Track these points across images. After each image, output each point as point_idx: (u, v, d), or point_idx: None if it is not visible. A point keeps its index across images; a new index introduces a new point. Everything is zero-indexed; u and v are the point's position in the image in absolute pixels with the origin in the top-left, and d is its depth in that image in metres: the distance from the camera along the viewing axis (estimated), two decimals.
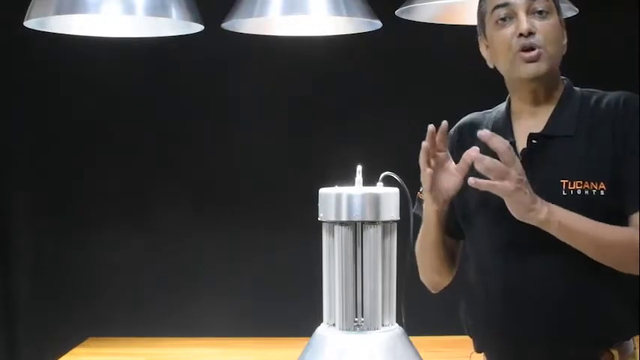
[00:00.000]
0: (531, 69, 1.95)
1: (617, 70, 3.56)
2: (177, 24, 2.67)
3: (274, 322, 3.75)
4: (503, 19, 1.96)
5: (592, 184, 1.90)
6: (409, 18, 2.63)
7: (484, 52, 2.07)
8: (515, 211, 1.86)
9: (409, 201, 2.01)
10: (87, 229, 3.97)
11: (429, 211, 2.02)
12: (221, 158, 4.00)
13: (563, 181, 1.91)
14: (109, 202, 3.99)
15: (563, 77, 2.04)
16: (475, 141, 2.08)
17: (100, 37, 2.75)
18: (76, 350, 3.33)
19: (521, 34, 1.93)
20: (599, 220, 1.88)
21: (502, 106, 2.09)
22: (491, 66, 2.05)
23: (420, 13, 2.62)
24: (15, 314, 4.01)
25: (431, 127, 1.93)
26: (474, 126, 2.10)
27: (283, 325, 3.54)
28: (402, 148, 3.65)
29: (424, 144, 1.93)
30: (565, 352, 1.95)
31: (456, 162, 2.04)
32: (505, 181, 1.83)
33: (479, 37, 2.07)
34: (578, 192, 1.89)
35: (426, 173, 1.95)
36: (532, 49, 1.94)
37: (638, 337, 2.01)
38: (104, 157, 4.00)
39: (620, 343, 1.97)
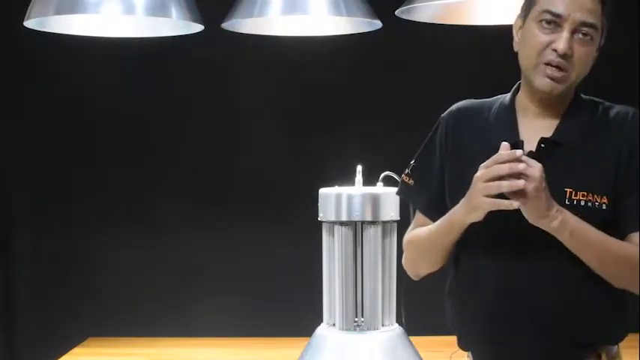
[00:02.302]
0: (548, 85, 1.91)
1: (617, 71, 3.56)
2: (177, 24, 2.67)
3: (274, 322, 3.75)
4: (549, 23, 1.90)
5: (595, 196, 1.89)
6: (409, 18, 2.62)
7: (516, 31, 2.00)
8: (529, 216, 1.84)
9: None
10: (87, 229, 3.97)
11: (465, 221, 1.94)
12: (221, 158, 4.00)
13: (568, 190, 1.90)
14: (109, 202, 3.99)
15: None
16: (473, 132, 2.05)
17: (100, 37, 2.75)
18: (76, 350, 3.33)
19: (555, 50, 1.89)
20: None
21: (505, 98, 2.05)
22: (515, 49, 2.00)
23: (420, 13, 2.62)
24: (15, 314, 4.01)
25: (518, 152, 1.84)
26: (473, 115, 2.06)
27: (283, 325, 3.54)
28: (402, 148, 3.67)
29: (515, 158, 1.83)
30: (554, 353, 1.95)
31: (449, 148, 2.02)
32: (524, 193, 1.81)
33: (519, 14, 2.01)
34: (582, 203, 1.89)
35: (508, 204, 1.84)
36: (559, 68, 1.90)
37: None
38: (104, 157, 4.00)
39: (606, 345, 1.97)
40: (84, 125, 3.99)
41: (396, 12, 2.58)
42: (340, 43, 3.06)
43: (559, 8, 1.89)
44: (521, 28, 1.99)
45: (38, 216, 4.01)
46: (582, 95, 2.01)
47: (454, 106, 2.11)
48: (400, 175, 2.09)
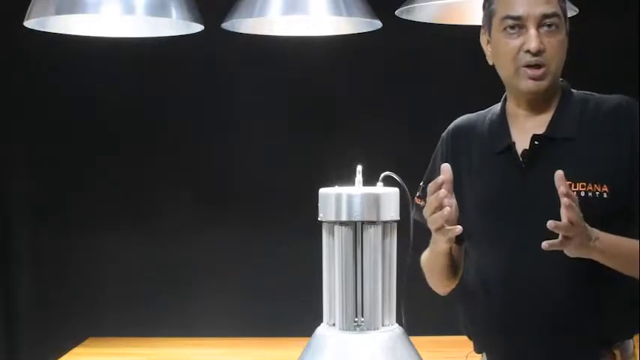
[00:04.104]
0: (532, 86, 1.94)
1: (617, 71, 3.57)
2: (177, 24, 2.67)
3: (274, 322, 3.75)
4: (513, 28, 1.93)
5: (595, 186, 1.90)
6: (409, 18, 2.63)
7: (485, 46, 2.04)
8: (574, 253, 1.83)
9: (409, 201, 2.01)
10: (87, 229, 3.97)
11: (441, 247, 2.02)
12: (221, 158, 4.00)
13: (567, 183, 1.90)
14: (109, 202, 3.98)
15: (561, 79, 2.03)
16: (471, 144, 2.08)
17: (100, 37, 2.75)
18: (76, 350, 3.33)
19: (528, 51, 1.91)
20: (601, 223, 1.88)
21: (497, 107, 2.08)
22: (490, 63, 2.04)
23: (420, 13, 2.62)
24: (15, 314, 4.01)
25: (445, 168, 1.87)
26: (469, 129, 2.10)
27: (283, 325, 3.54)
28: (402, 148, 3.68)
29: (436, 187, 1.86)
30: (567, 352, 1.95)
31: (451, 166, 2.05)
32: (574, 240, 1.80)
33: (482, 30, 2.04)
34: (582, 194, 1.89)
35: (443, 214, 1.86)
36: (538, 66, 1.93)
37: (637, 337, 2.02)
38: (104, 157, 4.00)
39: (622, 343, 1.97)
40: (84, 125, 3.99)
41: (396, 12, 2.59)
42: (340, 43, 3.06)
43: (518, 10, 1.93)
44: (489, 42, 2.01)
45: (38, 216, 4.02)
46: (573, 90, 2.02)
47: (451, 124, 2.16)
48: (400, 175, 2.09)
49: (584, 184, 1.90)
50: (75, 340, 3.45)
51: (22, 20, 2.53)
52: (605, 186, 1.90)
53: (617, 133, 1.92)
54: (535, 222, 1.90)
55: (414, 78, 3.89)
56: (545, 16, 1.92)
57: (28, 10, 2.49)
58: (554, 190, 1.89)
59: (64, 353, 3.26)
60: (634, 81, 3.58)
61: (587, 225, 1.81)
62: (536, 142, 1.96)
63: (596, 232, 1.85)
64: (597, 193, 1.90)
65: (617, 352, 1.96)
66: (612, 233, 1.89)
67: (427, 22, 2.68)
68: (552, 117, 1.98)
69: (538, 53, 1.91)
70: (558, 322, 1.94)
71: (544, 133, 1.97)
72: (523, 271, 1.95)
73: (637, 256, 1.90)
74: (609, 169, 1.91)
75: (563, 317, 1.94)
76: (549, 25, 1.93)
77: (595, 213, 1.88)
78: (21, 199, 4.02)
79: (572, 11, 2.55)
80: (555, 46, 1.93)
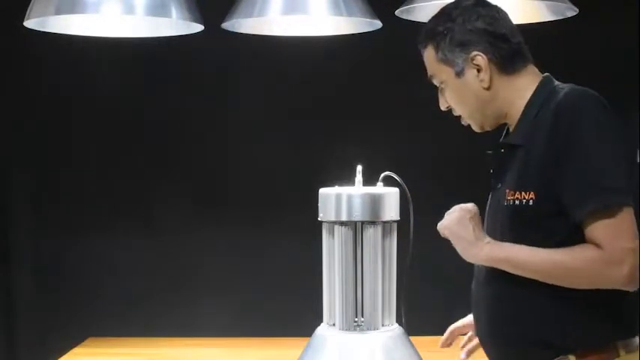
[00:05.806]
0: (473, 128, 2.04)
1: (617, 70, 3.57)
2: (177, 24, 2.67)
3: (274, 322, 3.75)
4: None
5: (523, 193, 1.87)
6: (409, 18, 2.63)
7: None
8: (460, 252, 1.91)
9: (409, 201, 2.01)
10: (87, 229, 3.97)
11: None
12: (221, 158, 4.00)
13: (506, 191, 1.90)
14: (109, 202, 3.98)
15: (545, 75, 1.99)
16: None
17: (100, 37, 2.76)
18: (76, 350, 3.33)
19: None
20: (530, 229, 1.87)
21: None
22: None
23: (420, 13, 2.62)
24: (15, 314, 4.01)
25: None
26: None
27: (283, 325, 3.54)
28: (402, 148, 3.68)
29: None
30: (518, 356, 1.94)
31: None
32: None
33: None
34: (511, 202, 1.89)
35: None
36: (459, 117, 2.04)
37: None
38: (104, 157, 4.00)
39: (598, 348, 1.90)
40: (84, 125, 3.99)
41: (396, 12, 2.59)
42: (340, 43, 3.06)
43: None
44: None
45: (38, 216, 4.01)
46: (556, 83, 1.97)
47: None
48: (400, 175, 2.10)
49: (513, 192, 1.89)
50: (75, 340, 3.45)
51: (22, 20, 2.53)
52: (531, 192, 1.86)
53: (547, 137, 1.86)
54: (491, 227, 1.92)
55: (414, 78, 3.87)
56: (432, 78, 2.04)
57: (28, 10, 2.50)
58: (499, 200, 1.92)
59: (64, 353, 3.26)
60: (634, 81, 3.58)
61: (464, 236, 1.90)
62: (502, 150, 1.98)
63: (491, 241, 1.89)
64: (524, 200, 1.86)
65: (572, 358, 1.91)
66: (555, 238, 1.85)
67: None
68: (517, 123, 1.96)
69: (449, 110, 2.03)
70: (509, 331, 1.92)
71: (503, 140, 1.99)
72: (480, 276, 1.98)
73: (546, 263, 1.85)
74: (536, 174, 1.86)
75: (527, 324, 1.90)
76: (440, 84, 2.02)
77: (523, 220, 1.87)
78: (21, 199, 4.02)
79: (572, 11, 2.56)
80: (452, 97, 2.01)
